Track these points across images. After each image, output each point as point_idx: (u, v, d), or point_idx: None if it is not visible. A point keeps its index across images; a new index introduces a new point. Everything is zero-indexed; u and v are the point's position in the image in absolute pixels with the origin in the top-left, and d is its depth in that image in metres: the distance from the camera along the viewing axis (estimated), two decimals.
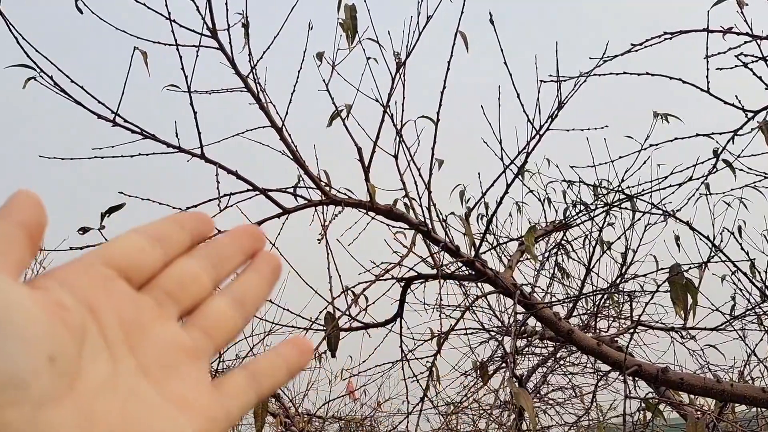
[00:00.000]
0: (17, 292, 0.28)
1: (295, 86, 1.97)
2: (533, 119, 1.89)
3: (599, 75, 1.86)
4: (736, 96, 1.75)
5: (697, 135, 1.87)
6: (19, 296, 0.28)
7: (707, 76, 1.74)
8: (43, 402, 0.27)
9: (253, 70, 1.93)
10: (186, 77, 1.82)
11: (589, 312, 2.97)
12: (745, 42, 1.67)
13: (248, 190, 1.94)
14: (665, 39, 1.73)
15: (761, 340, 2.35)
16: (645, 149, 2.08)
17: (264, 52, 1.94)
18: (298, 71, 1.98)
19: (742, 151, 1.95)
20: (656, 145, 2.02)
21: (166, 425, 0.31)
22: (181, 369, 0.34)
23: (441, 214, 2.12)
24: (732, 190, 2.27)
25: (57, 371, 0.28)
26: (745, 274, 2.01)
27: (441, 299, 2.13)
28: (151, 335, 0.33)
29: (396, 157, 2.07)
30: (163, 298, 0.35)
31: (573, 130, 2.03)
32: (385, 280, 2.08)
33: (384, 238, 2.29)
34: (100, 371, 0.30)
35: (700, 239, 1.98)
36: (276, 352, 0.38)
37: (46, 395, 0.27)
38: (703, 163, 1.97)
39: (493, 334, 3.06)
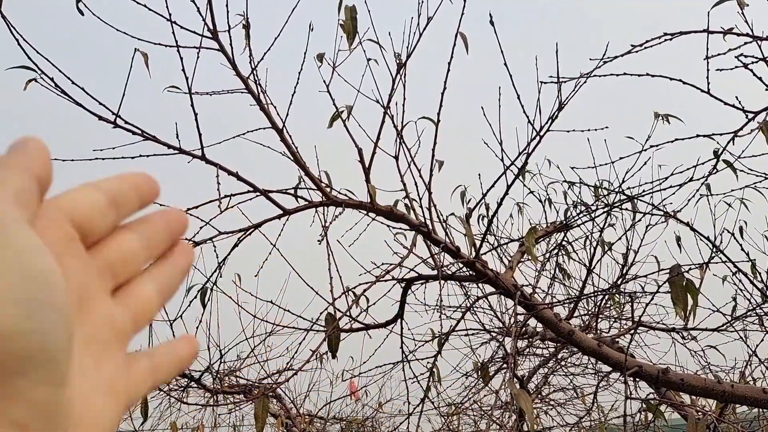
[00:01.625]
0: (49, 256, 0.26)
1: (295, 87, 1.97)
2: (533, 120, 1.89)
3: (599, 76, 1.86)
4: (737, 97, 1.75)
5: (698, 136, 1.87)
6: (51, 260, 0.26)
7: (707, 77, 1.74)
8: (63, 383, 0.26)
9: (254, 72, 1.93)
10: (187, 78, 1.83)
11: (590, 313, 2.97)
12: (746, 43, 1.67)
13: (249, 191, 1.95)
14: (665, 40, 1.73)
15: (762, 340, 2.35)
16: (646, 150, 2.08)
17: (265, 54, 1.94)
18: (299, 72, 1.98)
19: (743, 151, 1.96)
20: (657, 145, 2.02)
21: (97, 409, 0.30)
22: (111, 350, 0.32)
23: (441, 215, 2.12)
24: (733, 191, 2.27)
25: (71, 351, 0.27)
26: (746, 274, 2.01)
27: (442, 300, 2.13)
28: (94, 308, 0.32)
29: (396, 158, 2.07)
30: (105, 269, 0.33)
31: (573, 131, 2.03)
32: (386, 281, 2.08)
33: (384, 239, 2.29)
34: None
35: (701, 240, 1.98)
36: (173, 348, 0.37)
37: (65, 375, 0.26)
38: (703, 163, 1.97)
39: (494, 334, 3.06)
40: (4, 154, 0.30)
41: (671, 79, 1.79)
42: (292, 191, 2.04)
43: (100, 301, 0.32)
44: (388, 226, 2.17)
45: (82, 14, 1.73)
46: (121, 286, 0.35)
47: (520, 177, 2.02)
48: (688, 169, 2.02)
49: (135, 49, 1.78)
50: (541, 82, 1.81)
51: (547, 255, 2.83)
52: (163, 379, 0.36)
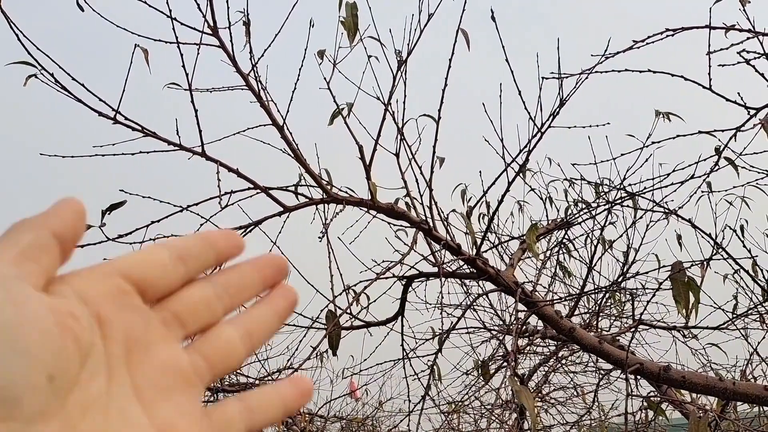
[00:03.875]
0: (35, 304, 0.28)
1: (296, 84, 1.96)
2: (535, 117, 1.88)
3: (601, 72, 1.85)
4: (739, 93, 1.75)
5: (700, 132, 1.86)
6: (36, 309, 0.28)
7: (709, 74, 1.73)
8: (33, 419, 0.27)
9: (254, 68, 1.93)
10: (187, 75, 1.82)
11: (590, 311, 2.96)
12: (747, 39, 1.66)
13: (249, 188, 1.94)
14: (667, 36, 1.72)
15: (763, 338, 2.35)
16: (647, 147, 2.07)
17: (265, 50, 1.93)
18: (300, 69, 1.97)
19: (745, 148, 1.95)
20: (658, 142, 2.01)
21: None
22: (174, 394, 0.33)
23: (442, 212, 2.12)
24: (734, 188, 2.26)
25: (54, 390, 0.28)
26: (747, 272, 2.01)
27: (442, 298, 2.13)
28: (152, 356, 0.33)
29: (397, 155, 2.06)
30: (171, 320, 0.35)
31: (575, 127, 2.03)
32: (387, 278, 2.08)
33: (385, 236, 2.29)
34: (95, 388, 0.30)
35: (702, 237, 1.97)
36: (275, 389, 0.37)
37: (37, 413, 0.27)
38: (705, 160, 1.97)
39: (494, 332, 3.06)
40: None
41: (673, 75, 1.79)
42: (293, 188, 2.03)
43: (161, 349, 0.34)
44: (389, 223, 2.17)
45: (82, 10, 1.72)
46: (203, 332, 0.36)
47: (521, 174, 2.01)
48: (689, 165, 2.01)
49: (135, 45, 1.78)
50: (543, 78, 1.80)
51: (548, 253, 2.82)
52: (261, 424, 0.36)
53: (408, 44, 2.03)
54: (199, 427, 0.33)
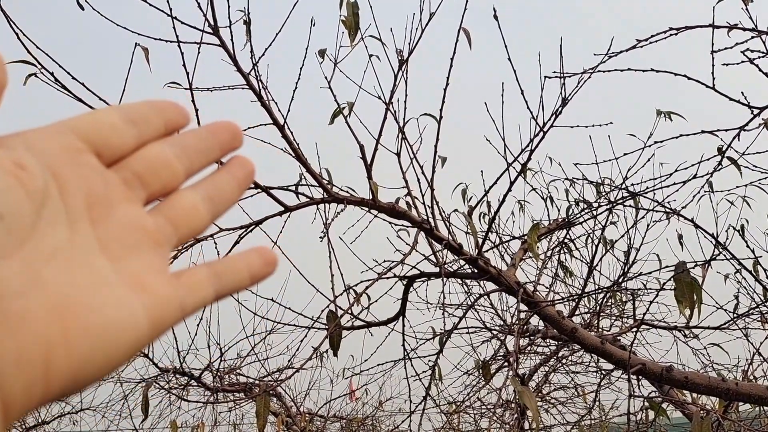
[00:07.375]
0: None
1: (297, 83, 1.96)
2: (537, 116, 1.88)
3: (604, 71, 1.85)
4: (742, 92, 1.74)
5: (702, 132, 1.86)
6: None
7: (713, 73, 1.72)
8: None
9: (255, 68, 1.92)
10: (187, 74, 1.82)
11: (591, 311, 2.96)
12: (751, 38, 1.66)
13: (250, 188, 1.93)
14: (670, 35, 1.72)
15: (766, 338, 2.34)
16: (649, 146, 2.06)
17: (266, 50, 1.93)
18: (300, 68, 1.97)
19: (747, 148, 1.94)
20: (660, 142, 2.01)
21: (115, 300, 0.30)
22: (141, 251, 0.32)
23: (444, 212, 2.11)
24: (736, 188, 2.26)
25: (6, 229, 0.27)
26: (749, 272, 2.00)
27: (444, 298, 2.12)
28: (115, 213, 0.32)
29: (398, 154, 2.06)
30: (132, 180, 0.34)
31: (577, 126, 2.02)
32: (388, 278, 2.07)
33: (386, 236, 2.28)
34: (56, 238, 0.29)
35: (704, 237, 1.96)
36: (242, 257, 0.37)
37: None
38: (708, 160, 1.96)
39: (495, 332, 3.05)
40: None
41: (676, 74, 1.78)
42: (294, 188, 2.02)
43: (124, 208, 0.33)
44: (390, 223, 2.16)
45: (83, 9, 1.71)
46: (165, 196, 0.35)
47: (523, 174, 2.01)
48: (691, 165, 2.00)
49: (135, 44, 1.77)
50: (545, 77, 1.80)
51: (549, 253, 2.82)
52: (228, 289, 0.35)
53: (409, 43, 2.02)
54: (168, 284, 0.32)
